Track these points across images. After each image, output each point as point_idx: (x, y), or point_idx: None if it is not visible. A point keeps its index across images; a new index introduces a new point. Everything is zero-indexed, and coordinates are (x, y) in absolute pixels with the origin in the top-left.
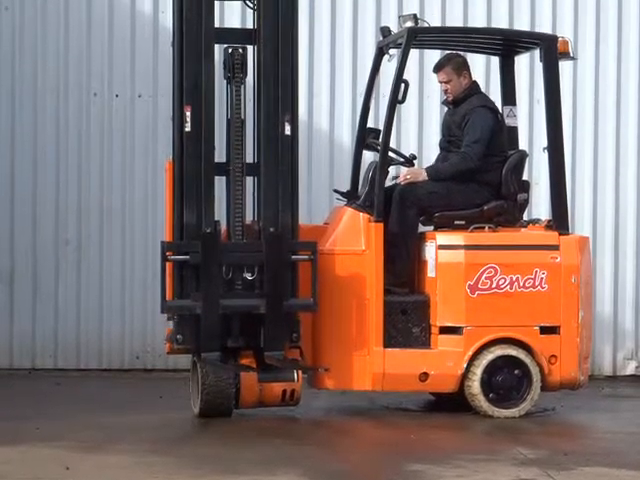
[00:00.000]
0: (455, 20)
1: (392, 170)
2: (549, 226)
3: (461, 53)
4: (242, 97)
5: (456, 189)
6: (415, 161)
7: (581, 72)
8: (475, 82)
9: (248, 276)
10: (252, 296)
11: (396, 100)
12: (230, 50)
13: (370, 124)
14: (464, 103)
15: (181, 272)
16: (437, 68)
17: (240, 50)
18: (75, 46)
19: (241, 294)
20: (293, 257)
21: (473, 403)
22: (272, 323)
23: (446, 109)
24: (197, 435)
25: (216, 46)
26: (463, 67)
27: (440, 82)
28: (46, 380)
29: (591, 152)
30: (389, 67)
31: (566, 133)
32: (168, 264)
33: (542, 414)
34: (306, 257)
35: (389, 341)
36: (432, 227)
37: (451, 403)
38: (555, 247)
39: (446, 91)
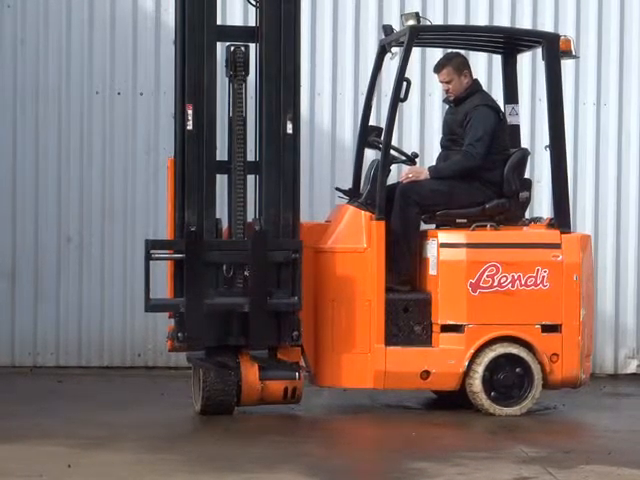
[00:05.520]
0: (457, 18)
1: (394, 168)
2: (551, 224)
3: (461, 52)
4: (244, 95)
5: (458, 187)
6: (417, 159)
7: (583, 70)
8: (476, 80)
9: (240, 275)
10: (237, 294)
11: (398, 98)
12: (232, 48)
13: (372, 122)
14: (465, 102)
15: (179, 271)
16: (437, 68)
17: (242, 48)
18: (77, 43)
19: (225, 292)
20: (279, 255)
21: (474, 401)
22: (256, 322)
23: (447, 107)
24: (199, 433)
25: (218, 44)
26: (463, 66)
27: (441, 82)
28: (47, 378)
29: (593, 150)
30: (391, 65)
31: (568, 131)
32: (169, 262)
33: (543, 412)
34: (293, 256)
35: (391, 339)
36: (434, 225)
37: (452, 401)
38: (557, 245)
39: (447, 91)
